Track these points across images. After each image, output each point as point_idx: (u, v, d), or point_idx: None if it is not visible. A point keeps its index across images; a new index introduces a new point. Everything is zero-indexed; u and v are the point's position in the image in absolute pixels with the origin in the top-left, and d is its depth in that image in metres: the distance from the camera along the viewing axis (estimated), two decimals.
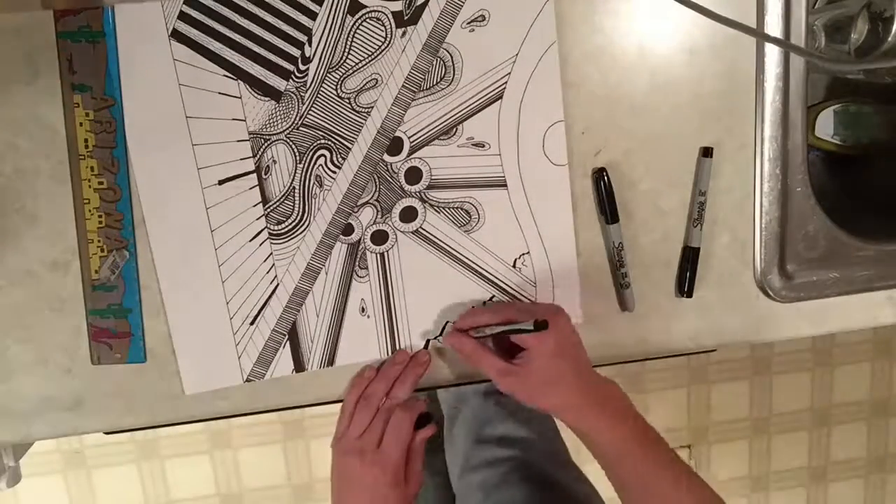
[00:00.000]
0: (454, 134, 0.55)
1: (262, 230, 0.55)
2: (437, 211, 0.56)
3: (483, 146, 0.55)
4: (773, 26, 0.55)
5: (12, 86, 0.50)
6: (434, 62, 0.54)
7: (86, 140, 0.52)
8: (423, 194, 0.56)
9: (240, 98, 0.53)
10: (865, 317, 0.63)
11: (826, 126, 0.73)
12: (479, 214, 0.57)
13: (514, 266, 0.58)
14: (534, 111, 0.55)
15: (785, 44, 0.54)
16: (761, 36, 0.54)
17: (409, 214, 0.56)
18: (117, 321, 0.55)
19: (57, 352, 0.55)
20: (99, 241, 0.54)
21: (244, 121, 0.53)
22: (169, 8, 0.51)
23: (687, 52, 0.56)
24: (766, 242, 0.60)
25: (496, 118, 0.55)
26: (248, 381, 0.57)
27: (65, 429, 0.57)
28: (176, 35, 0.51)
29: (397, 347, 0.58)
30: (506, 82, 0.54)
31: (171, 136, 0.52)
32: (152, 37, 0.51)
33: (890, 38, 0.59)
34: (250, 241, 0.55)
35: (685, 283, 0.60)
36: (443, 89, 0.54)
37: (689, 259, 0.59)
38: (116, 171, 0.53)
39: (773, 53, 0.56)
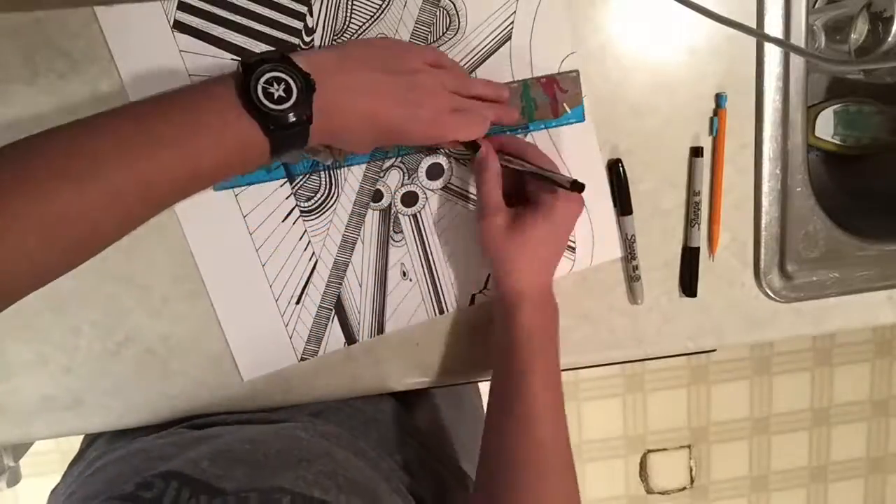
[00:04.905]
0: None
1: (292, 209, 0.54)
2: (463, 164, 0.56)
3: None
4: (773, 26, 0.55)
5: (12, 86, 0.50)
6: (437, 13, 0.53)
7: None
8: (446, 149, 0.55)
9: None
10: (865, 317, 0.63)
11: (826, 126, 0.73)
12: None
13: None
14: (545, 47, 0.54)
15: (785, 44, 0.54)
16: (761, 36, 0.54)
17: (435, 171, 0.56)
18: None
19: (57, 352, 0.55)
20: None
21: None
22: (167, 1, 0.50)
23: (687, 52, 0.56)
24: (766, 242, 0.60)
25: (508, 60, 0.54)
26: (302, 359, 0.57)
27: (65, 429, 0.57)
28: (178, 26, 0.50)
29: (443, 306, 0.58)
30: (512, 21, 0.54)
31: None
32: (156, 31, 0.50)
33: (890, 38, 0.59)
34: (283, 221, 0.55)
35: (689, 283, 0.60)
36: (450, 39, 0.53)
37: (690, 259, 0.59)
38: None
39: (773, 53, 0.56)
